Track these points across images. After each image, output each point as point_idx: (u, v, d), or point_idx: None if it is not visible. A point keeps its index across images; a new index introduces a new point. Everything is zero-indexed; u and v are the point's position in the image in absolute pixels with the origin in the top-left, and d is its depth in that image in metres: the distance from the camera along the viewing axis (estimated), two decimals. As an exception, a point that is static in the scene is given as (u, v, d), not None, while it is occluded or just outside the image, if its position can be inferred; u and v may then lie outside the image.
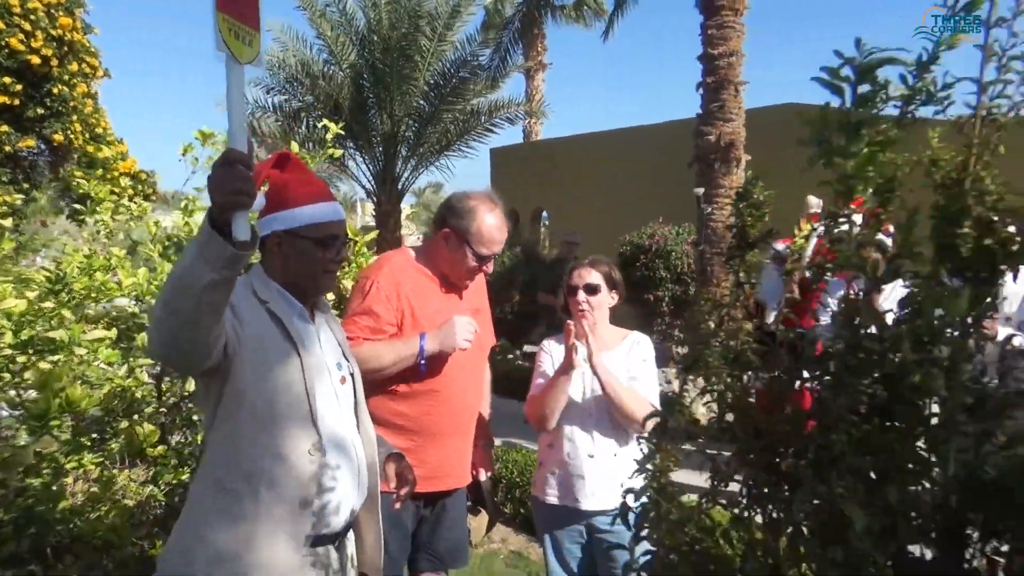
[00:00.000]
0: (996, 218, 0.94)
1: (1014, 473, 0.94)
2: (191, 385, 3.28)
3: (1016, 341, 3.21)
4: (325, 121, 3.34)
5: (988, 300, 0.97)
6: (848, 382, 0.95)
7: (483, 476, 2.89)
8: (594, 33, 19.97)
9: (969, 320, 0.99)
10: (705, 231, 8.90)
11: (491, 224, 2.62)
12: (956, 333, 1.05)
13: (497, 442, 3.13)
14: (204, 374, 1.80)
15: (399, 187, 15.26)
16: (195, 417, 3.30)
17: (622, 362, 2.79)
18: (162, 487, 3.08)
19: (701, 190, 8.92)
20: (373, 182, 15.14)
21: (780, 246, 3.89)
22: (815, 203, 4.73)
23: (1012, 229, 0.93)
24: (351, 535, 2.09)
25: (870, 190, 1.00)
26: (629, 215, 12.00)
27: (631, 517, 1.32)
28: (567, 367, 2.67)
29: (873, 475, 0.96)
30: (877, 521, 0.90)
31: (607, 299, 2.84)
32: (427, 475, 2.59)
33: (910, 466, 0.99)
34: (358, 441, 2.04)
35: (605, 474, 2.71)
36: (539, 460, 2.92)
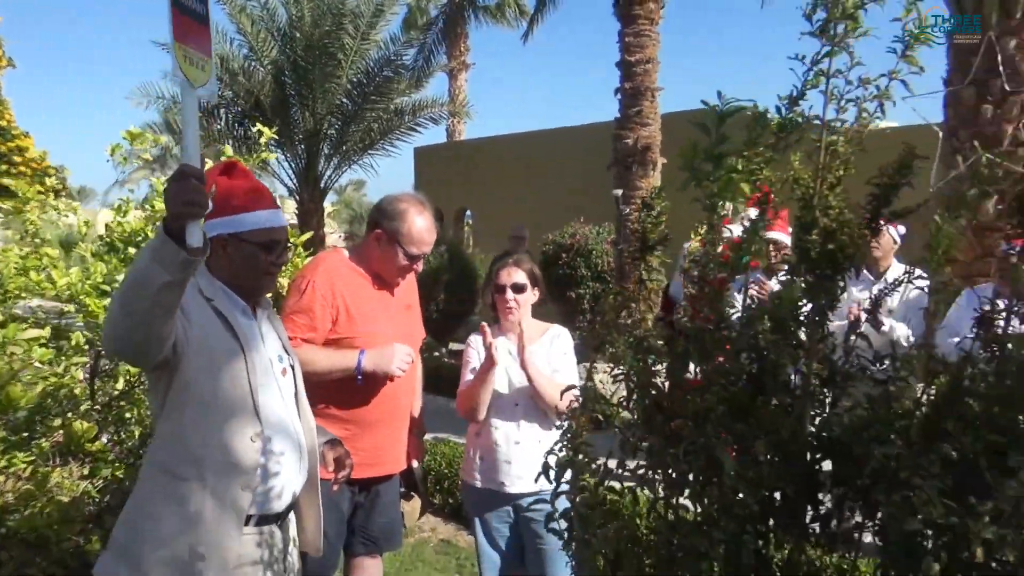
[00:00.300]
0: (836, 228, 1.19)
1: (852, 432, 1.19)
2: (120, 384, 3.35)
3: (870, 329, 3.59)
4: (259, 126, 3.43)
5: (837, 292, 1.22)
6: (720, 356, 1.19)
7: (416, 464, 3.06)
8: (517, 34, 20.23)
9: (823, 307, 1.23)
10: (624, 231, 9.27)
11: (420, 225, 2.79)
12: (817, 319, 1.30)
13: (426, 436, 3.30)
14: (155, 367, 1.92)
15: (322, 185, 15.17)
16: (127, 415, 3.36)
17: (544, 354, 3.01)
18: (97, 483, 3.13)
19: (620, 191, 9.29)
20: (295, 180, 15.01)
21: (692, 245, 4.19)
22: (728, 206, 5.07)
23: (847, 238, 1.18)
24: (292, 516, 2.23)
25: (729, 205, 1.24)
26: (551, 215, 12.30)
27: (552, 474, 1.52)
28: (489, 364, 2.86)
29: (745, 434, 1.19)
30: (748, 469, 1.14)
31: (531, 297, 3.05)
32: (362, 462, 2.73)
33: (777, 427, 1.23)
34: (299, 428, 2.19)
35: (530, 459, 2.91)
36: (468, 448, 3.10)
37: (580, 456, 1.34)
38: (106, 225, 3.25)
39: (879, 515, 1.08)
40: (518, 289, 3.01)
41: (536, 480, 1.61)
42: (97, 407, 3.17)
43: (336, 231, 31.40)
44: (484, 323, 2.90)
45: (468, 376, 3.02)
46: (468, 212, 17.17)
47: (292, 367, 2.24)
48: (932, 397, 1.10)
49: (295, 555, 2.22)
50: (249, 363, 2.02)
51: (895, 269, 4.22)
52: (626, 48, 9.21)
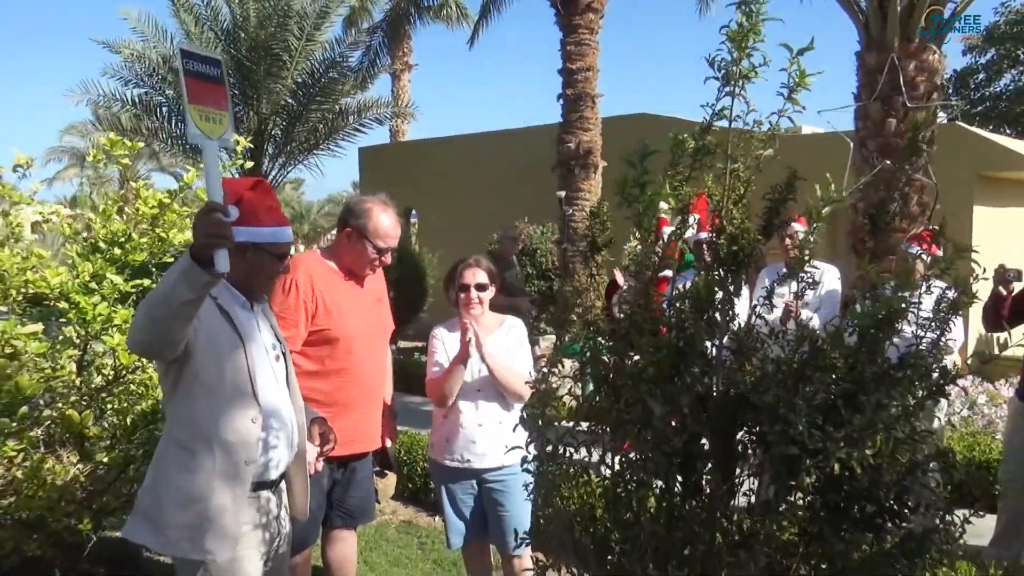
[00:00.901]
0: (739, 234, 1.58)
1: (754, 388, 1.58)
2: (101, 377, 3.58)
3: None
4: (237, 137, 3.69)
5: (738, 283, 1.62)
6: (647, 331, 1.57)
7: (389, 443, 3.39)
8: (457, 34, 20.49)
9: (729, 294, 1.63)
10: (567, 231, 9.70)
11: (385, 221, 3.12)
12: (725, 302, 1.69)
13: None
14: (168, 361, 2.22)
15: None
16: (109, 405, 3.59)
17: (502, 343, 3.37)
18: (86, 468, 3.36)
19: (563, 193, 9.70)
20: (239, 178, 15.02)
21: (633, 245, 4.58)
22: (665, 207, 5.51)
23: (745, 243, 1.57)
24: (283, 485, 2.55)
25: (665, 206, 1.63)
26: (496, 215, 12.64)
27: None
28: (464, 357, 3.20)
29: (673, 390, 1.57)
30: (674, 416, 1.51)
31: (490, 293, 3.40)
32: (340, 440, 3.05)
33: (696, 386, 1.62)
34: (290, 409, 2.51)
35: (493, 438, 3.28)
36: (435, 429, 3.44)
37: (548, 410, 1.70)
38: (87, 227, 3.48)
39: (770, 446, 1.47)
40: (481, 288, 3.35)
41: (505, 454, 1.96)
42: (85, 398, 3.40)
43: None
44: (466, 320, 3.22)
45: (435, 367, 3.35)
46: (413, 212, 17.41)
47: (284, 353, 2.55)
48: (802, 356, 1.50)
49: (286, 519, 2.54)
50: (248, 353, 2.33)
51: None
52: (567, 56, 9.62)
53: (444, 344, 3.36)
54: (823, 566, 1.46)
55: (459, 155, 15.16)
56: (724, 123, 1.73)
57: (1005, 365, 7.37)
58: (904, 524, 1.49)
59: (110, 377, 3.36)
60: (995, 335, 5.43)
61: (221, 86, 2.06)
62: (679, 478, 1.59)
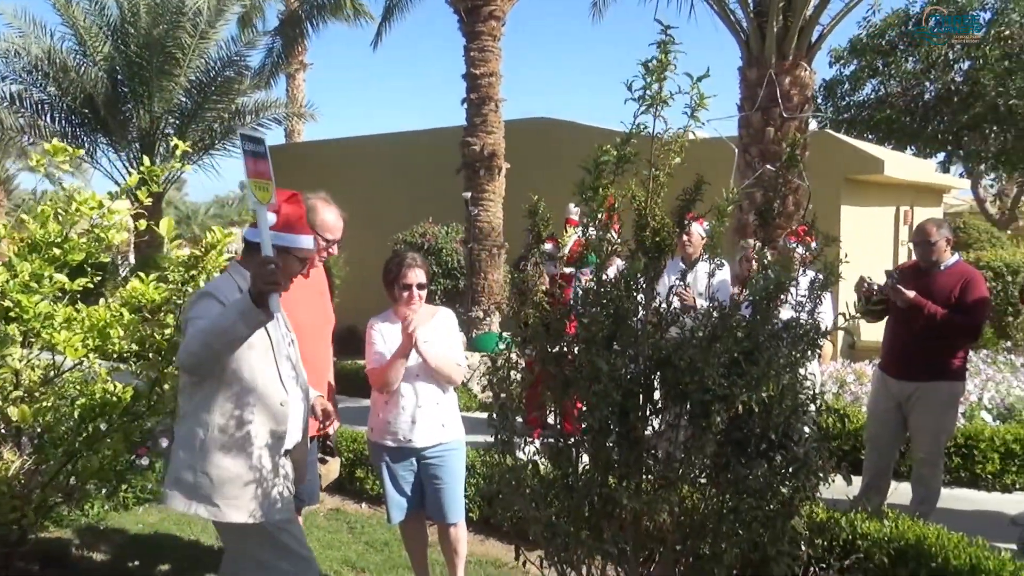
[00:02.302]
0: (659, 227, 1.96)
1: (675, 350, 1.97)
2: (36, 376, 3.65)
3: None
4: (176, 141, 3.81)
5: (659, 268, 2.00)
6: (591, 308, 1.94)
7: (331, 430, 3.62)
8: (362, 34, 20.37)
9: (652, 276, 2.01)
10: (473, 230, 10.05)
11: (329, 215, 3.36)
12: (649, 283, 2.07)
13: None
14: None
15: (161, 188, 14.82)
16: (46, 403, 3.66)
17: (435, 331, 3.67)
18: (26, 463, 3.43)
19: (468, 194, 10.04)
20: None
21: (548, 246, 5.04)
22: (573, 209, 5.92)
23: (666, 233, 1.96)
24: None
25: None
26: (398, 215, 12.81)
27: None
28: (406, 351, 3.48)
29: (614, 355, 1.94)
30: (616, 373, 1.88)
31: (425, 290, 3.68)
32: (291, 425, 3.30)
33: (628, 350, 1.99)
34: (299, 390, 2.82)
35: (430, 417, 3.60)
36: (375, 413, 3.70)
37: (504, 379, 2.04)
38: (26, 227, 3.55)
39: (688, 395, 1.86)
40: (421, 287, 3.64)
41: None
42: (25, 394, 3.47)
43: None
44: (406, 314, 3.49)
45: (375, 355, 3.61)
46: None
47: (293, 340, 2.89)
48: (713, 324, 1.92)
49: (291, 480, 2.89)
50: (274, 344, 2.68)
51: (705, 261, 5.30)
52: (471, 62, 9.97)
53: (382, 335, 3.62)
54: (730, 490, 1.86)
55: (361, 156, 15.21)
56: (642, 135, 2.12)
57: (871, 349, 8.25)
58: (789, 454, 1.91)
59: (50, 375, 3.44)
60: (859, 323, 6.14)
61: (267, 159, 2.48)
62: (616, 428, 1.95)
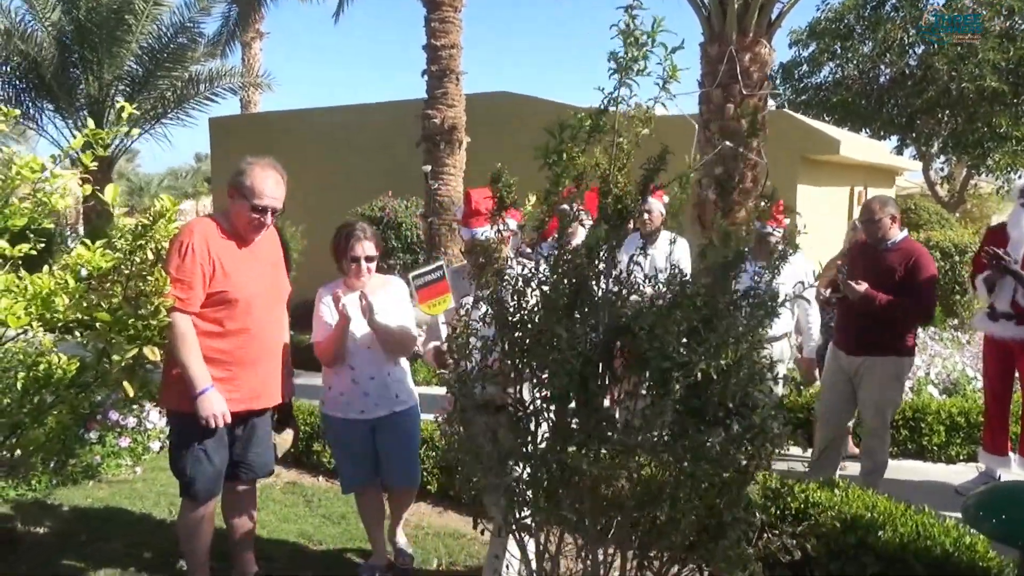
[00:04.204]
0: (623, 195, 1.94)
1: (635, 318, 1.96)
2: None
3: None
4: (123, 103, 3.66)
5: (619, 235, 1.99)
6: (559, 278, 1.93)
7: (287, 399, 3.56)
8: (322, 8, 19.98)
9: (613, 245, 2.00)
10: (433, 204, 9.96)
11: (263, 179, 3.20)
12: (610, 251, 2.06)
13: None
14: None
15: (109, 155, 14.38)
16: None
17: (388, 300, 3.63)
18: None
19: (429, 167, 9.93)
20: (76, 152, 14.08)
21: (511, 221, 4.99)
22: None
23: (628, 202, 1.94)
24: None
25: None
26: (356, 189, 12.63)
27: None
28: (344, 323, 3.42)
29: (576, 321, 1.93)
30: (575, 340, 1.87)
31: (375, 261, 3.61)
32: (243, 398, 3.23)
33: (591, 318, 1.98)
34: None
35: (383, 388, 3.58)
36: (328, 385, 3.65)
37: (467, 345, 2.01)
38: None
39: (648, 362, 1.86)
40: (370, 259, 3.58)
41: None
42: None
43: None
44: (338, 291, 3.42)
45: (323, 328, 3.56)
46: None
47: None
48: (673, 291, 1.91)
49: None
50: None
51: (664, 237, 5.30)
52: (432, 33, 9.81)
53: (330, 309, 3.56)
54: (687, 457, 1.86)
55: (319, 128, 14.93)
56: (611, 106, 2.10)
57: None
58: (746, 421, 1.92)
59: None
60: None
61: (444, 280, 3.05)
62: (575, 396, 1.94)
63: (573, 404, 1.97)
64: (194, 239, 3.13)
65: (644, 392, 1.98)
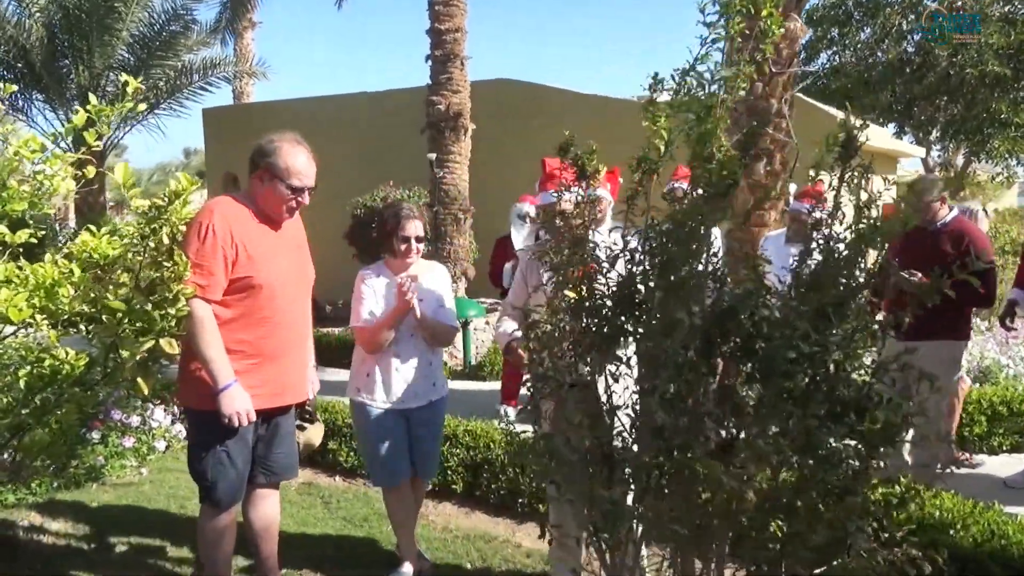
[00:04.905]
0: (727, 160, 1.70)
1: (738, 301, 1.71)
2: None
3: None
4: (127, 78, 3.38)
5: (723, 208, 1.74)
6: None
7: (311, 394, 3.30)
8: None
9: (712, 220, 1.75)
10: (439, 193, 9.67)
11: (298, 158, 2.98)
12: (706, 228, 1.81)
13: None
14: None
15: (101, 146, 14.02)
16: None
17: (433, 285, 3.47)
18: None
19: (434, 155, 9.64)
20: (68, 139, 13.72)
21: (527, 206, 4.91)
22: None
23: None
24: None
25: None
26: (356, 179, 12.33)
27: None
28: (401, 315, 3.26)
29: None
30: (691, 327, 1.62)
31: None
32: (270, 393, 2.97)
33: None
34: None
35: (423, 378, 3.41)
36: (363, 373, 3.41)
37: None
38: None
39: (759, 353, 1.61)
40: (419, 240, 3.40)
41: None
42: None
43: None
44: (401, 278, 3.24)
45: (364, 312, 3.33)
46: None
47: None
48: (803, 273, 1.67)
49: None
50: None
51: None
52: (436, 16, 9.51)
53: (374, 290, 3.37)
54: (811, 460, 1.62)
55: (318, 118, 14.59)
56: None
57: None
58: (869, 417, 1.67)
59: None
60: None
61: None
62: (675, 390, 1.69)
63: (671, 398, 1.72)
64: (215, 220, 2.87)
65: (748, 388, 1.73)
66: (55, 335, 3.07)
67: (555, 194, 2.16)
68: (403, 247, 3.39)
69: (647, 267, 1.72)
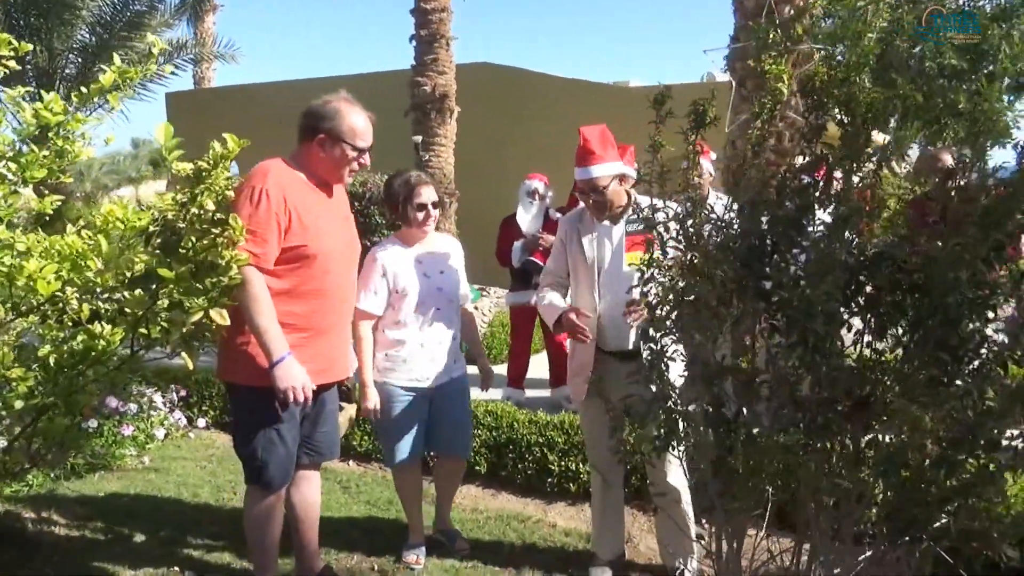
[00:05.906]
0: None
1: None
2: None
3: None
4: (153, 38, 3.20)
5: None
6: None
7: (351, 371, 3.17)
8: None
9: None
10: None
11: (356, 117, 2.85)
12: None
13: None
14: None
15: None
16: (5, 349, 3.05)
17: (451, 258, 3.41)
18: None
19: (419, 138, 9.46)
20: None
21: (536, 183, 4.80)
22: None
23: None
24: None
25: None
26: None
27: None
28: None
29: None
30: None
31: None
32: (319, 368, 2.82)
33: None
34: None
35: (445, 355, 3.36)
36: (385, 352, 3.29)
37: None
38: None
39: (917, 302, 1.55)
40: (435, 205, 3.28)
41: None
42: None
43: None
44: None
45: (365, 298, 3.24)
46: (234, 164, 16.21)
47: None
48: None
49: None
50: None
51: (712, 198, 5.02)
52: (420, -6, 9.31)
53: (386, 267, 3.27)
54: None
55: (290, 102, 14.19)
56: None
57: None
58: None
59: (22, 308, 2.83)
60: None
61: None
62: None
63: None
64: (268, 185, 2.71)
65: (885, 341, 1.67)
66: (87, 308, 2.89)
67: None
68: (420, 215, 3.28)
69: (785, 212, 1.65)
